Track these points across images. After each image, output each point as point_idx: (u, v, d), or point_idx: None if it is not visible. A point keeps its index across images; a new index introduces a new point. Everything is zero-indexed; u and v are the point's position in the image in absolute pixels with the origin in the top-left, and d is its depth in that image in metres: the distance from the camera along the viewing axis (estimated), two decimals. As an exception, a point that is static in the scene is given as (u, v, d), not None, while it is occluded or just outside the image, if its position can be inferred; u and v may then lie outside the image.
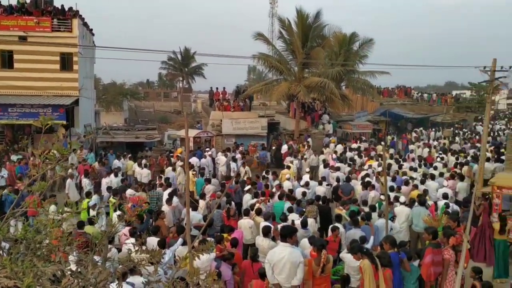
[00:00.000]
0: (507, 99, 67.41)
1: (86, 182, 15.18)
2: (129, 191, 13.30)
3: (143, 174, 16.98)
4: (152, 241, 8.45)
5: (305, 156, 20.18)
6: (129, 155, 20.60)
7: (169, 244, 8.63)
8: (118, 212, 10.27)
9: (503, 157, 18.36)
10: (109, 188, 13.92)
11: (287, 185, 14.49)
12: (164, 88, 79.02)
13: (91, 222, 9.50)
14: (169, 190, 13.21)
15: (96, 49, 29.97)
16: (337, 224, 9.95)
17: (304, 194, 13.09)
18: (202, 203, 12.04)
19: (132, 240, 8.12)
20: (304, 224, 9.82)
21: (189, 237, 6.04)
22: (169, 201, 11.74)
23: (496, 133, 30.95)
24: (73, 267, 2.62)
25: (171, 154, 21.58)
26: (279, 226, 8.96)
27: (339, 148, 23.15)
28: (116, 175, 15.76)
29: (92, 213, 11.48)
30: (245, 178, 15.95)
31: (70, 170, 14.32)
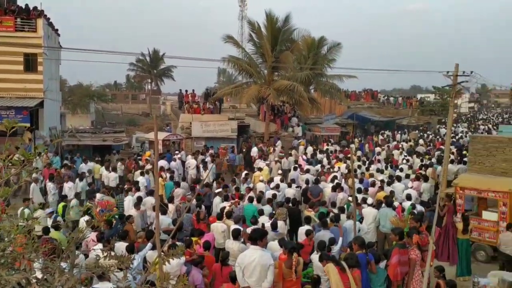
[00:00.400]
0: (468, 102, 69.77)
1: (50, 186, 14.78)
2: (98, 196, 13.03)
3: (110, 177, 16.66)
4: (121, 246, 8.31)
5: (275, 159, 20.25)
6: (96, 158, 20.19)
7: (138, 249, 8.51)
8: (86, 217, 10.06)
9: (465, 159, 18.98)
10: (77, 194, 13.55)
11: (260, 186, 14.54)
12: (132, 90, 77.89)
13: (57, 227, 9.25)
14: (137, 194, 13.02)
15: (62, 50, 29.27)
16: (310, 227, 10.06)
17: (274, 196, 13.14)
18: (171, 207, 11.90)
19: (100, 245, 7.96)
20: (274, 227, 9.87)
21: (159, 241, 5.98)
22: (137, 205, 11.56)
23: (458, 136, 31.97)
24: (38, 275, 2.55)
25: (139, 157, 21.29)
26: (249, 229, 8.97)
27: (310, 150, 23.42)
28: (81, 179, 15.39)
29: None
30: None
31: (34, 174, 13.90)
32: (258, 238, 7.20)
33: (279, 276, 7.29)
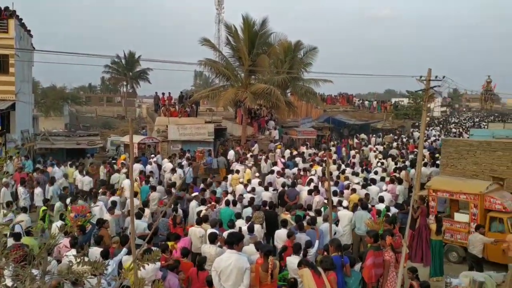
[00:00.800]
0: (441, 106, 71.36)
1: (21, 191, 14.43)
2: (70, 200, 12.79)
3: (84, 181, 16.36)
4: (95, 252, 8.17)
5: (252, 163, 20.26)
6: (70, 162, 19.79)
7: (114, 254, 8.39)
8: (59, 222, 9.86)
9: (438, 162, 19.40)
10: (46, 200, 13.21)
11: (239, 189, 14.55)
12: (108, 92, 76.87)
13: (29, 233, 9.04)
14: (112, 198, 12.84)
15: (35, 52, 28.65)
16: (287, 230, 10.11)
17: (252, 199, 13.15)
18: (146, 211, 11.78)
19: (73, 251, 7.81)
20: (250, 230, 9.88)
21: (134, 246, 5.92)
22: (111, 209, 11.40)
23: (431, 139, 32.62)
24: (8, 282, 2.49)
25: (114, 161, 20.99)
26: (225, 233, 8.95)
27: (287, 153, 23.54)
28: (52, 184, 15.00)
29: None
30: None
31: (5, 179, 13.54)
32: (235, 242, 7.20)
33: (256, 279, 7.30)
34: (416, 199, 11.93)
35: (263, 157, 21.23)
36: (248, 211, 11.73)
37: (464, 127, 45.82)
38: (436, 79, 15.84)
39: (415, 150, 24.04)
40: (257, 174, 17.70)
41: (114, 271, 7.53)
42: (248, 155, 22.01)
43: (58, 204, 12.29)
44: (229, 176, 17.30)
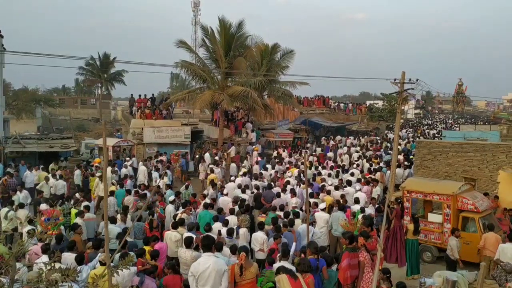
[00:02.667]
0: (414, 108, 72.70)
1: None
2: (43, 205, 12.47)
3: (58, 186, 16.02)
4: (68, 257, 7.99)
5: (224, 165, 20.25)
6: (42, 166, 19.31)
7: (89, 258, 8.22)
8: (29, 227, 9.58)
9: (408, 163, 19.77)
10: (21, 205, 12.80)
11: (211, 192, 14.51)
12: (82, 94, 75.54)
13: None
14: (86, 202, 12.60)
15: (6, 53, 27.88)
16: (264, 233, 10.12)
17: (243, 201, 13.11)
18: (126, 216, 11.56)
19: (45, 257, 7.61)
20: (229, 233, 9.82)
21: (108, 251, 5.79)
22: (82, 213, 11.17)
23: (405, 141, 33.16)
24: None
25: (89, 164, 20.62)
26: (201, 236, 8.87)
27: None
28: (20, 191, 14.27)
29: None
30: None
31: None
32: (211, 244, 7.15)
33: (230, 278, 7.22)
34: (391, 200, 12.09)
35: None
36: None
37: (437, 131, 46.70)
38: (410, 82, 16.14)
39: (378, 153, 24.47)
40: (232, 178, 17.69)
41: (88, 277, 7.37)
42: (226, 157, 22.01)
43: (4, 210, 11.95)
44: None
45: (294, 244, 9.64)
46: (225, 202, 13.34)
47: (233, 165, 20.45)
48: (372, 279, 8.12)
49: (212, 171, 17.51)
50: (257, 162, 21.13)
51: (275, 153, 24.87)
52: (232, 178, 17.41)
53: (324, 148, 28.17)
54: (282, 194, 14.14)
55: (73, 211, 11.82)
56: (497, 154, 15.26)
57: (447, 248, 10.91)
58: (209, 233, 9.52)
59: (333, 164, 20.72)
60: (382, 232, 5.98)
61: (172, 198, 13.27)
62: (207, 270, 6.73)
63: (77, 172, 17.98)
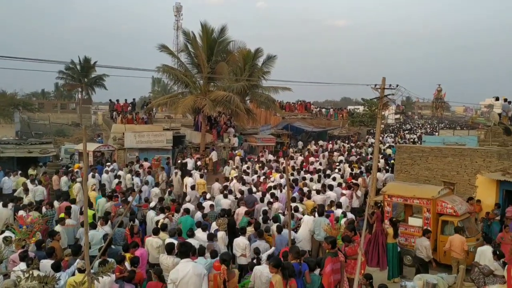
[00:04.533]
0: (395, 114, 73.64)
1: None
2: (21, 212, 12.21)
3: (36, 192, 15.69)
4: (47, 264, 7.84)
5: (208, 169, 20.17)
6: (20, 172, 18.92)
7: (68, 265, 8.08)
8: (7, 233, 9.37)
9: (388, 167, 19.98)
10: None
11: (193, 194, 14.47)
12: (62, 99, 74.42)
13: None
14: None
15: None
16: (246, 238, 10.10)
17: (212, 207, 13.05)
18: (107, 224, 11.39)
19: (23, 265, 7.45)
20: (210, 237, 9.77)
21: (88, 258, 5.69)
22: (62, 220, 10.98)
23: (386, 146, 33.53)
24: None
25: (69, 170, 20.29)
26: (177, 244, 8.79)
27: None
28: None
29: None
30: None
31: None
32: (189, 251, 7.14)
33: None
34: (372, 205, 12.20)
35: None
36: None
37: (417, 136, 47.36)
38: (390, 88, 16.35)
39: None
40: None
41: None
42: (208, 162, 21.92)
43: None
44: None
45: (273, 248, 9.67)
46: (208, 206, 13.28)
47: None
48: (346, 281, 8.21)
49: (190, 175, 17.45)
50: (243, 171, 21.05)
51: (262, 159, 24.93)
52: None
53: (304, 153, 28.25)
54: (264, 199, 14.17)
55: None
56: (475, 158, 15.54)
57: (415, 249, 10.95)
58: (191, 239, 9.49)
59: (312, 168, 20.84)
60: (363, 237, 6.03)
61: (154, 204, 13.16)
62: (186, 276, 6.68)
63: (64, 178, 17.61)
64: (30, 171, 19.43)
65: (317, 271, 8.39)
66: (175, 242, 8.90)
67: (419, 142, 33.65)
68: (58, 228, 10.63)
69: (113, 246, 9.33)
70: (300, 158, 24.96)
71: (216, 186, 16.48)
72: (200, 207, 13.16)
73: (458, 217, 11.98)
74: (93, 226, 10.35)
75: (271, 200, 13.92)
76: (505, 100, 22.06)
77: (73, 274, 7.62)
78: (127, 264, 8.06)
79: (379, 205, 12.16)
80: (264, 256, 9.08)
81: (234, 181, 17.33)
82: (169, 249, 8.34)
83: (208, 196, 14.58)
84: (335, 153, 27.85)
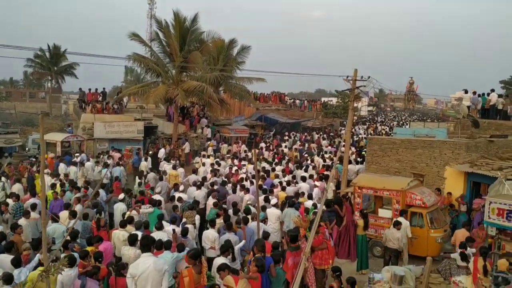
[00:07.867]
0: (368, 106, 74.43)
1: None
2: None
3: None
4: (5, 260, 7.54)
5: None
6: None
7: (29, 260, 7.79)
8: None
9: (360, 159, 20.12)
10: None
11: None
12: (31, 88, 72.34)
13: None
14: (32, 200, 11.99)
15: None
16: (215, 231, 9.97)
17: (179, 199, 12.82)
18: (66, 213, 11.07)
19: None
20: (184, 233, 9.57)
21: (46, 253, 5.45)
22: (28, 213, 10.60)
23: (358, 137, 33.88)
24: None
25: (37, 160, 19.69)
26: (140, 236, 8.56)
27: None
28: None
29: None
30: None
31: None
32: (151, 244, 6.96)
33: (190, 284, 6.98)
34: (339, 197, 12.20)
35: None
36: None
37: (389, 127, 48.01)
38: (362, 79, 16.38)
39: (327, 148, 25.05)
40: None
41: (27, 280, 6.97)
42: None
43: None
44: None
45: (243, 241, 9.57)
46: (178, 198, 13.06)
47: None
48: (313, 271, 8.21)
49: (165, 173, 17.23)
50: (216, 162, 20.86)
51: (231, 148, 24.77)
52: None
53: (274, 145, 28.13)
54: (237, 190, 14.06)
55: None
56: (444, 150, 15.78)
57: (387, 240, 11.04)
58: (160, 231, 9.29)
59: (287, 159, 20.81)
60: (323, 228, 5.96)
61: (122, 196, 12.83)
62: (146, 271, 6.50)
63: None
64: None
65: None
66: (140, 234, 8.68)
67: (389, 134, 34.08)
68: (22, 221, 10.24)
69: (78, 240, 9.05)
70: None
71: (192, 178, 16.25)
72: (171, 199, 12.97)
73: (427, 208, 12.14)
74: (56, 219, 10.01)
75: (242, 192, 13.81)
76: (474, 93, 22.46)
77: (35, 269, 7.35)
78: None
79: (347, 197, 12.17)
80: (236, 250, 8.97)
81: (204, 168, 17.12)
82: (132, 240, 8.12)
83: (181, 188, 14.33)
84: (312, 145, 27.92)
